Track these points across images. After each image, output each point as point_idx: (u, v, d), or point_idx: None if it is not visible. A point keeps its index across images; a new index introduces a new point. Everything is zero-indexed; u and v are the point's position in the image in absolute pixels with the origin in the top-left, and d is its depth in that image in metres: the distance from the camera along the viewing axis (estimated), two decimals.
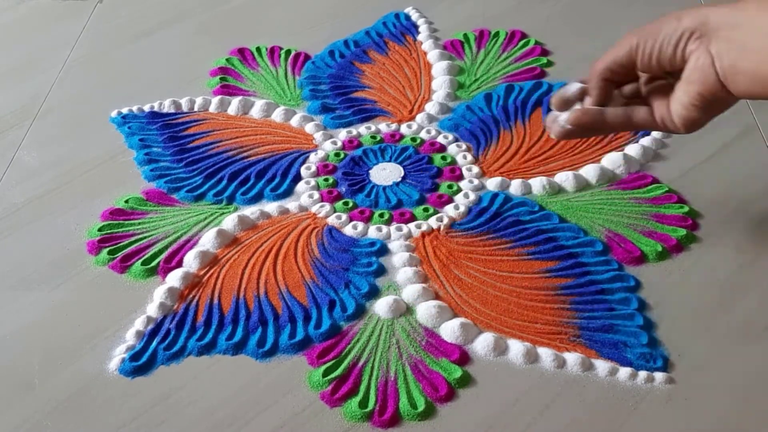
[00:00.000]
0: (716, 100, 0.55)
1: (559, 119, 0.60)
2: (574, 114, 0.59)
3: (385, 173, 0.74)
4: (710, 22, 0.53)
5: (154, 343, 0.60)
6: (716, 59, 0.53)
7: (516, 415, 0.55)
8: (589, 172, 0.72)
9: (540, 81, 0.83)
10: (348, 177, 0.74)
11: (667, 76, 0.57)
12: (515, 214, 0.69)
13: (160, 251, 0.67)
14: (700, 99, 0.55)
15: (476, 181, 0.73)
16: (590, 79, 0.60)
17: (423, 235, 0.68)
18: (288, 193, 0.73)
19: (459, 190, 0.72)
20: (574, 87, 0.61)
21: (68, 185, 0.75)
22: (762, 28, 0.52)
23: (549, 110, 0.62)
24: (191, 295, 0.64)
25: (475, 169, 0.74)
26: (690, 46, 0.54)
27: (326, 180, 0.73)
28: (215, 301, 0.63)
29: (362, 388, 0.57)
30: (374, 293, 0.63)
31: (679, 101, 0.56)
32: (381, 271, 0.65)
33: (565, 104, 0.61)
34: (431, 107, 0.81)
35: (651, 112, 0.58)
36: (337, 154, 0.76)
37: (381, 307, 0.62)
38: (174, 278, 0.64)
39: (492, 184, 0.72)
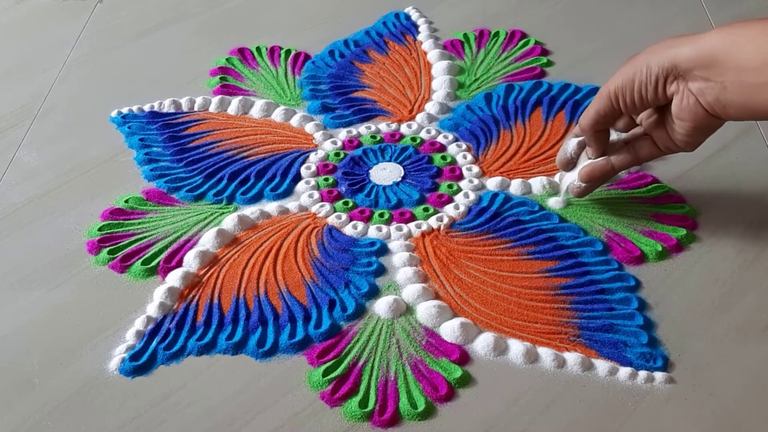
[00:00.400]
0: (712, 126, 0.59)
1: (575, 182, 0.66)
2: (584, 170, 0.65)
3: (385, 173, 0.74)
4: (680, 65, 0.56)
5: (154, 343, 0.60)
6: (700, 97, 0.56)
7: (516, 415, 0.55)
8: None
9: (540, 81, 0.83)
10: (348, 177, 0.74)
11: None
12: (515, 214, 0.69)
13: (160, 251, 0.67)
14: (695, 130, 0.59)
15: (476, 181, 0.73)
16: (584, 135, 0.64)
17: (423, 234, 0.68)
18: (288, 192, 0.73)
19: (459, 189, 0.72)
20: (571, 144, 0.66)
21: (68, 185, 0.75)
22: (735, 66, 0.54)
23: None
24: (191, 295, 0.64)
25: (475, 168, 0.74)
26: (670, 88, 0.57)
27: (326, 180, 0.73)
28: (215, 300, 0.63)
29: (362, 387, 0.57)
30: (374, 293, 0.63)
31: (678, 133, 0.60)
32: (381, 270, 0.65)
33: (570, 163, 0.67)
34: (431, 107, 0.81)
35: (653, 144, 0.63)
36: (337, 154, 0.76)
37: (381, 306, 0.62)
38: (174, 278, 0.64)
39: (492, 183, 0.72)
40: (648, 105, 0.60)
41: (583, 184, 0.66)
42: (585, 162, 0.66)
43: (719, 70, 0.55)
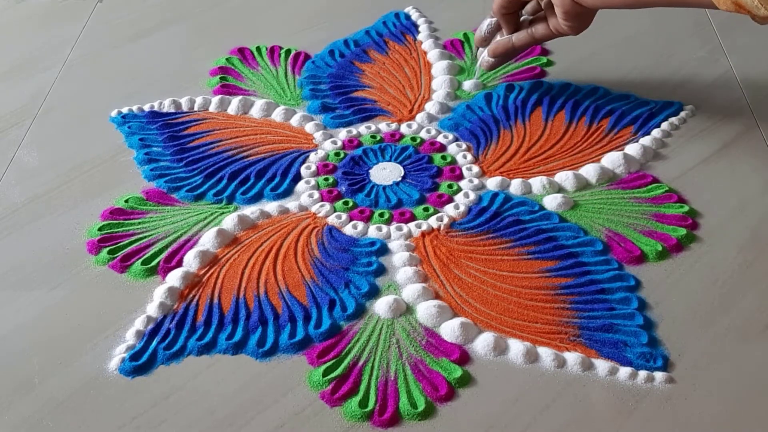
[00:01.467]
0: (579, 12, 0.70)
1: (485, 57, 0.78)
2: (490, 47, 0.77)
3: (385, 173, 0.74)
4: None
5: (154, 343, 0.60)
6: None
7: (516, 415, 0.55)
8: (589, 171, 0.72)
9: (540, 80, 0.83)
10: (348, 176, 0.74)
11: None
12: (515, 214, 0.69)
13: (160, 251, 0.67)
14: (566, 14, 0.70)
15: (476, 181, 0.73)
16: (496, 16, 0.75)
17: (423, 234, 0.68)
18: (288, 192, 0.73)
19: (459, 189, 0.72)
20: (486, 24, 0.77)
21: (68, 185, 0.75)
22: None
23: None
24: (191, 295, 0.64)
25: (475, 168, 0.74)
26: None
27: (326, 179, 0.73)
28: (215, 300, 0.63)
29: (362, 387, 0.57)
30: (374, 293, 0.63)
31: (559, 16, 0.71)
32: (381, 270, 0.65)
33: (485, 41, 0.78)
34: (431, 107, 0.81)
35: (548, 26, 0.73)
36: (337, 154, 0.76)
37: (381, 306, 0.62)
38: (174, 278, 0.64)
39: (492, 183, 0.72)
40: None
41: (491, 59, 0.78)
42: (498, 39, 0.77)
43: None
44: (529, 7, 0.75)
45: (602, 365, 0.57)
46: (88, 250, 0.68)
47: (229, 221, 0.69)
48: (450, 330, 0.60)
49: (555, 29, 0.73)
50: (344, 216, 0.70)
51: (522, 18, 0.75)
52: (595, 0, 0.68)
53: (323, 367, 0.58)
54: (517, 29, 0.75)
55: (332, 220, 0.69)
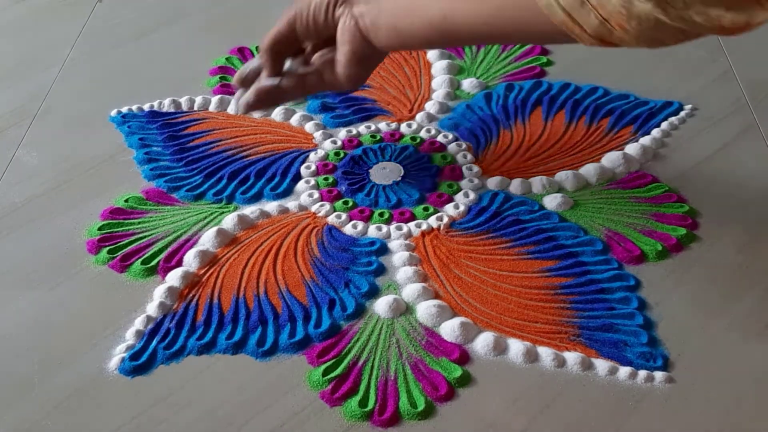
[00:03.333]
0: (367, 56, 0.63)
1: (244, 96, 0.67)
2: (254, 88, 0.67)
3: (385, 172, 0.74)
4: None
5: (154, 343, 0.60)
6: (359, 20, 0.61)
7: (516, 415, 0.55)
8: (588, 171, 0.72)
9: (540, 80, 0.83)
10: (348, 176, 0.74)
11: (329, 46, 0.65)
12: (515, 213, 0.69)
13: (160, 250, 0.67)
14: (353, 56, 0.62)
15: (476, 181, 0.73)
16: (262, 56, 0.66)
17: (423, 234, 0.68)
18: (288, 192, 0.73)
19: (459, 189, 0.72)
20: (250, 65, 0.68)
21: (68, 184, 0.75)
22: None
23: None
24: (191, 295, 0.64)
25: (475, 168, 0.74)
26: (337, 11, 0.62)
27: (326, 179, 0.73)
28: (215, 300, 0.63)
29: (362, 387, 0.57)
30: (374, 292, 0.63)
31: (340, 62, 0.63)
32: (381, 270, 0.65)
33: (245, 82, 0.68)
34: (431, 106, 0.81)
35: (321, 77, 0.66)
36: (336, 154, 0.76)
37: (381, 306, 0.62)
38: (174, 277, 0.64)
39: (492, 183, 0.72)
40: (320, 29, 0.64)
41: (251, 100, 0.67)
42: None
43: None
44: (294, 64, 0.66)
45: (602, 365, 0.57)
46: (88, 249, 0.68)
47: (228, 221, 0.69)
48: (450, 330, 0.60)
49: (330, 81, 0.65)
50: (344, 216, 0.70)
51: (286, 67, 0.67)
52: (389, 39, 0.61)
53: (323, 366, 0.58)
54: (279, 71, 0.67)
55: (332, 219, 0.69)
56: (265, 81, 0.66)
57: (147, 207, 0.71)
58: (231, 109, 0.75)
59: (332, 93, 0.76)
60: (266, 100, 0.67)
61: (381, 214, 0.70)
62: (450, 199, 0.71)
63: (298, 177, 0.74)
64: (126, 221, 0.70)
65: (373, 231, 0.68)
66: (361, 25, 0.61)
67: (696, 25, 0.48)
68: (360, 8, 0.61)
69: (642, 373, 0.57)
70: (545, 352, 0.58)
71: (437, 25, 0.59)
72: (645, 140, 0.76)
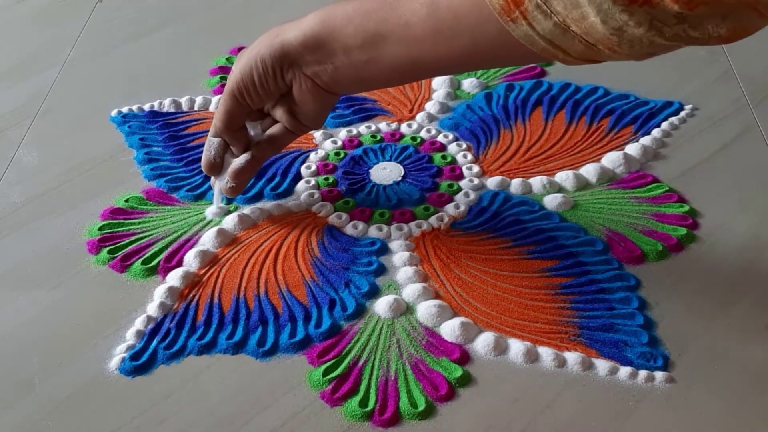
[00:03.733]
0: (332, 102, 0.62)
1: (226, 183, 0.66)
2: (231, 170, 0.65)
3: (385, 172, 0.74)
4: (290, 52, 0.59)
5: (154, 343, 0.60)
6: (316, 79, 0.59)
7: (516, 414, 0.55)
8: (589, 171, 0.72)
9: (540, 80, 0.83)
10: (348, 176, 0.74)
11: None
12: (515, 214, 0.69)
13: (161, 250, 0.67)
14: (320, 107, 0.61)
15: (476, 181, 0.73)
16: (222, 135, 0.65)
17: (423, 234, 0.68)
18: (288, 192, 0.73)
19: (459, 189, 0.72)
20: (214, 148, 0.65)
21: (68, 185, 0.75)
22: (341, 47, 0.57)
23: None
24: (191, 295, 0.64)
25: (476, 168, 0.74)
26: (288, 76, 0.60)
27: (326, 179, 0.73)
28: (215, 300, 0.63)
29: (362, 387, 0.57)
30: (374, 292, 0.63)
31: (304, 115, 0.62)
32: (381, 270, 0.65)
33: (215, 168, 0.66)
34: (431, 106, 0.81)
35: (287, 131, 0.64)
36: (337, 154, 0.76)
37: (381, 306, 0.62)
38: (174, 277, 0.64)
39: (492, 183, 0.72)
40: (273, 95, 0.62)
41: (234, 183, 0.66)
42: (231, 160, 0.66)
43: (327, 52, 0.58)
44: (257, 131, 0.66)
45: (602, 365, 0.57)
46: (88, 249, 0.68)
47: (229, 221, 0.69)
48: (450, 330, 0.60)
49: (296, 129, 0.64)
50: (344, 216, 0.70)
51: (251, 134, 0.66)
52: (354, 88, 0.62)
53: (323, 366, 0.58)
54: (246, 144, 0.66)
55: (332, 219, 0.69)
56: (236, 161, 0.65)
57: (147, 207, 0.71)
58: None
59: None
60: (246, 177, 0.66)
61: (381, 214, 0.70)
62: (450, 199, 0.71)
63: (298, 177, 0.74)
64: (126, 221, 0.70)
65: (373, 231, 0.68)
66: (319, 83, 0.59)
67: (693, 39, 0.47)
68: (312, 69, 0.59)
69: (642, 373, 0.57)
70: (545, 352, 0.58)
71: (406, 70, 0.57)
72: (645, 140, 0.76)
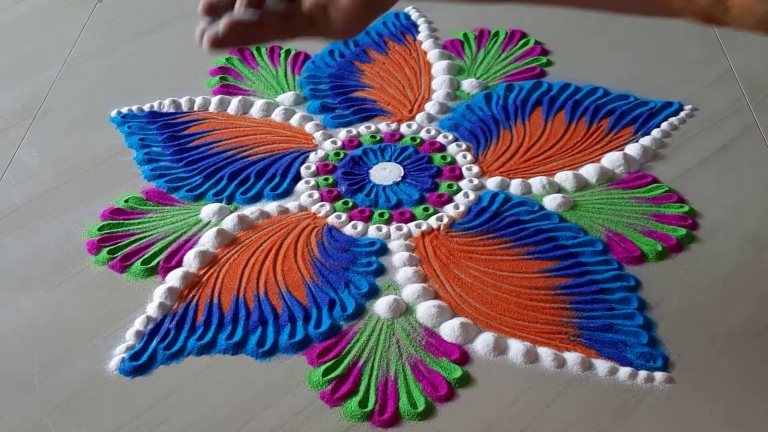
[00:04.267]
0: (373, 13, 0.50)
1: (212, 27, 0.51)
2: (225, 19, 0.51)
3: (385, 173, 0.74)
4: None
5: (154, 343, 0.60)
6: None
7: (516, 415, 0.55)
8: (588, 171, 0.72)
9: (540, 80, 0.83)
10: (348, 177, 0.73)
11: None
12: (515, 214, 0.69)
13: (160, 251, 0.67)
14: (355, 10, 0.49)
15: (476, 181, 0.73)
16: None
17: (423, 234, 0.68)
18: (288, 192, 0.73)
19: (459, 189, 0.72)
20: None
21: (68, 185, 0.75)
22: None
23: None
24: (191, 295, 0.63)
25: (475, 168, 0.74)
26: None
27: (326, 179, 0.73)
28: (215, 300, 0.63)
29: (362, 387, 0.57)
30: (374, 293, 0.63)
31: (342, 5, 0.50)
32: (381, 270, 0.65)
33: (213, 9, 0.52)
34: (431, 107, 0.81)
35: (311, 20, 0.51)
36: (336, 154, 0.76)
37: (381, 306, 0.62)
38: (174, 278, 0.64)
39: (492, 183, 0.72)
40: None
41: (219, 33, 0.51)
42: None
43: None
44: (277, 1, 0.51)
45: (602, 365, 0.57)
46: (88, 250, 0.68)
47: (229, 221, 0.69)
48: (450, 330, 0.60)
49: (321, 27, 0.51)
50: (344, 216, 0.70)
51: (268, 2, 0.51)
52: None
53: (323, 367, 0.58)
54: (258, 3, 0.51)
55: (332, 220, 0.69)
56: (241, 13, 0.51)
57: (147, 207, 0.71)
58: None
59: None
60: (240, 37, 0.52)
61: (381, 215, 0.70)
62: (450, 200, 0.71)
63: (298, 177, 0.74)
64: (126, 221, 0.70)
65: (373, 231, 0.68)
66: None
67: None
68: None
69: (642, 374, 0.57)
70: (545, 353, 0.58)
71: None
72: (645, 140, 0.76)
